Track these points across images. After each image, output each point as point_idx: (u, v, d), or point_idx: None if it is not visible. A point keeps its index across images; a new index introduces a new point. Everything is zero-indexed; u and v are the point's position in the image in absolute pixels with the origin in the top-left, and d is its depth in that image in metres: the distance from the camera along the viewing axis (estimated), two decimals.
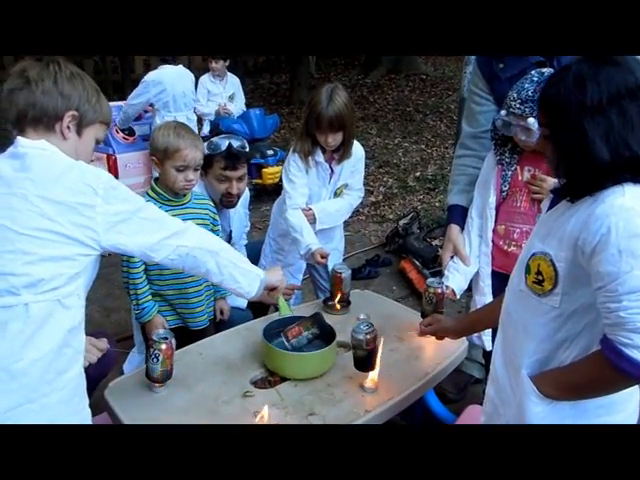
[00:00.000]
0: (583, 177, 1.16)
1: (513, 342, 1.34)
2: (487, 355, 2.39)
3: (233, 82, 5.19)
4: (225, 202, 2.37)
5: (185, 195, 2.15)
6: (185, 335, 2.15)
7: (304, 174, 2.39)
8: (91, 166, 1.29)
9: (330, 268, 2.54)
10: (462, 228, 2.22)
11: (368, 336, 1.72)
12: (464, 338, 2.10)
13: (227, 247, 1.61)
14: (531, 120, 1.84)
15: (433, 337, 2.04)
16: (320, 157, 2.39)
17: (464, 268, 2.16)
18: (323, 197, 2.48)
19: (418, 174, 6.06)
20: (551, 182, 1.95)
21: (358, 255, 4.22)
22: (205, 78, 5.10)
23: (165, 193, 2.10)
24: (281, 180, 4.96)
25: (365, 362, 1.74)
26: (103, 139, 1.46)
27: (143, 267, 2.09)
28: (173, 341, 1.66)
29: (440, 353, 1.99)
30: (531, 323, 1.27)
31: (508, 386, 1.35)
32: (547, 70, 1.88)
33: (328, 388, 1.76)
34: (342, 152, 2.39)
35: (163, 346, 1.63)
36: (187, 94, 4.36)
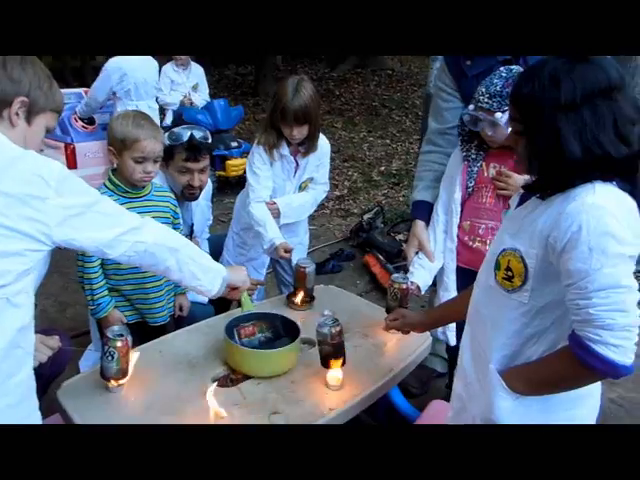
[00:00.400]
0: (555, 174, 1.16)
1: (482, 337, 1.34)
2: (450, 350, 2.41)
3: (197, 72, 5.09)
4: (187, 194, 2.30)
5: (144, 187, 2.07)
6: (144, 331, 2.09)
7: (268, 167, 2.35)
8: (43, 156, 1.22)
9: (294, 262, 2.51)
10: (427, 224, 2.21)
11: (333, 330, 1.70)
12: (428, 333, 2.10)
13: (187, 243, 1.56)
14: (499, 115, 1.85)
15: (398, 332, 2.03)
16: (285, 150, 2.35)
17: (429, 264, 2.15)
18: (288, 191, 2.44)
19: (383, 169, 6.07)
20: (517, 178, 1.96)
21: (322, 249, 4.20)
22: (168, 67, 4.98)
23: (123, 185, 2.02)
24: (245, 172, 4.97)
25: (331, 357, 1.71)
26: (54, 128, 1.38)
27: (99, 261, 2.02)
28: (129, 338, 1.59)
29: (404, 349, 1.98)
30: (500, 318, 1.27)
31: (476, 381, 1.35)
32: (515, 67, 1.88)
33: (292, 385, 1.73)
34: (308, 145, 2.35)
35: (118, 343, 1.56)
36: (149, 82, 4.24)
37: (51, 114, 1.30)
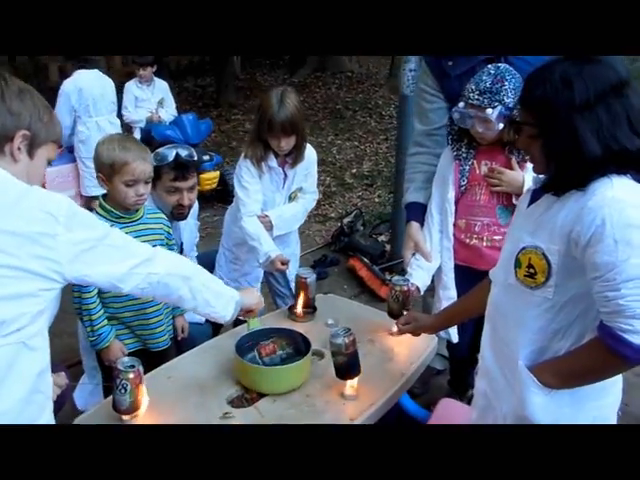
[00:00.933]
0: (575, 172, 1.18)
1: (505, 334, 1.35)
2: (451, 347, 2.43)
3: (161, 87, 5.01)
4: (176, 214, 2.26)
5: (137, 210, 2.03)
6: (145, 358, 2.04)
7: (257, 180, 2.33)
8: (48, 191, 1.17)
9: (289, 274, 2.49)
10: (421, 225, 2.22)
11: (347, 339, 1.69)
12: (433, 335, 2.11)
13: (199, 270, 1.52)
14: (489, 111, 1.87)
15: (403, 336, 2.04)
16: (273, 162, 2.33)
17: (426, 264, 2.17)
18: (277, 202, 2.42)
19: (354, 171, 6.09)
20: (509, 174, 1.99)
21: (305, 256, 4.17)
22: (132, 84, 4.89)
23: (116, 210, 1.97)
24: (219, 185, 4.93)
25: (347, 368, 1.70)
26: (53, 159, 1.33)
27: (96, 290, 1.96)
28: (141, 368, 1.55)
29: (412, 352, 1.98)
30: (524, 315, 1.29)
31: (501, 377, 1.37)
32: (502, 65, 1.91)
33: (308, 399, 1.72)
34: (295, 155, 2.34)
35: (130, 375, 1.52)
36: (106, 97, 4.18)
37: (52, 145, 1.26)
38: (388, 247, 3.96)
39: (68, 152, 4.30)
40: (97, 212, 1.98)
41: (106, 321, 1.99)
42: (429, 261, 2.17)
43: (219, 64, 8.88)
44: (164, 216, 2.15)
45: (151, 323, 2.05)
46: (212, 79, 9.67)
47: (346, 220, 4.26)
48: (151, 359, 1.99)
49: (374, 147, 6.89)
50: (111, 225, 1.91)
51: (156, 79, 5.01)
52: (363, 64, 10.75)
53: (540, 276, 1.24)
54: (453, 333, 2.26)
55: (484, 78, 1.89)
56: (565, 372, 1.24)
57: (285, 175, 2.39)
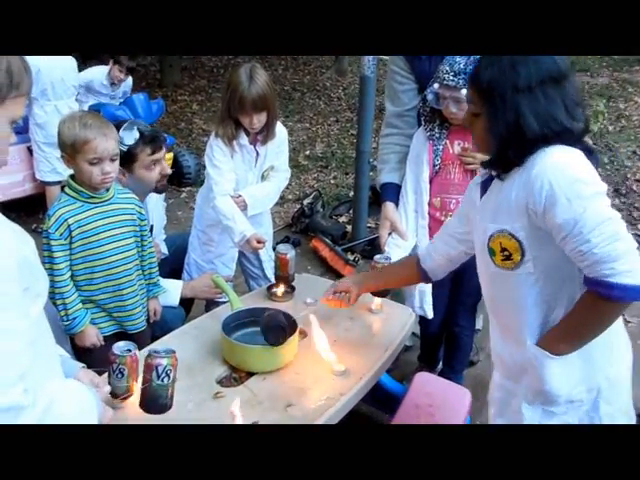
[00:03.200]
0: (514, 149, 1.28)
1: (507, 321, 1.41)
2: (423, 323, 2.50)
3: (127, 84, 4.82)
4: (160, 187, 2.22)
5: (108, 190, 1.97)
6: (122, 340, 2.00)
7: (229, 159, 2.30)
8: None
9: (261, 254, 2.49)
10: (396, 205, 2.27)
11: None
12: (411, 312, 2.17)
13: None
14: (464, 91, 1.92)
15: (381, 313, 2.09)
16: (244, 140, 2.31)
17: (403, 243, 2.22)
18: (250, 181, 2.40)
19: (308, 153, 6.09)
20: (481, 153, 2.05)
21: None
22: (98, 78, 4.60)
23: (85, 190, 1.91)
24: (174, 167, 4.82)
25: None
26: (19, 118, 1.05)
27: (69, 273, 1.90)
28: (137, 352, 1.52)
29: (393, 327, 2.03)
30: (516, 297, 1.35)
31: (514, 364, 1.42)
32: None
33: (297, 376, 1.73)
34: (267, 133, 2.33)
35: (127, 359, 1.48)
36: (67, 81, 3.97)
37: (19, 100, 1.02)
38: (349, 228, 4.01)
39: (16, 132, 4.08)
40: (66, 193, 1.91)
41: (81, 304, 1.93)
42: (405, 240, 2.22)
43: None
44: (135, 196, 2.09)
45: (128, 304, 2.01)
46: (154, 58, 9.38)
47: (306, 201, 4.27)
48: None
49: (325, 129, 6.91)
50: (81, 206, 1.88)
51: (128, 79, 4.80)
52: None
53: (516, 255, 1.31)
54: (428, 309, 2.33)
55: (458, 59, 1.94)
56: (571, 334, 1.30)
57: (257, 153, 2.37)
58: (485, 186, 1.44)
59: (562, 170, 1.21)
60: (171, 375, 1.46)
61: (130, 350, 1.50)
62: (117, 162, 1.94)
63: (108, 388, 1.46)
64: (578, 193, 1.18)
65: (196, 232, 2.51)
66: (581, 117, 1.29)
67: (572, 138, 1.26)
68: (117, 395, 1.50)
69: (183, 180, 4.91)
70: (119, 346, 1.51)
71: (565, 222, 1.19)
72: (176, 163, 4.85)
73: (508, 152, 1.29)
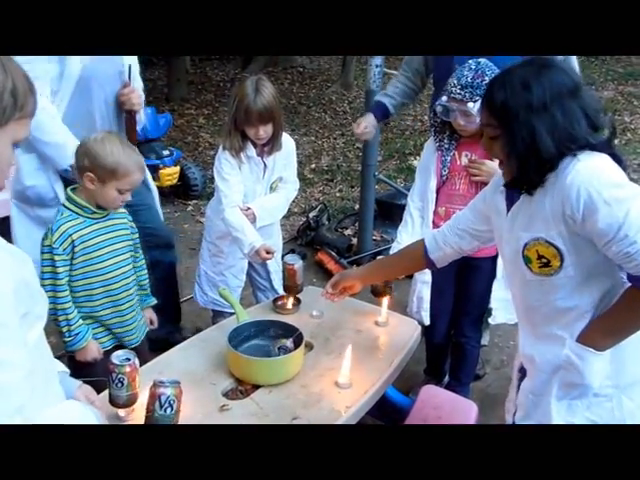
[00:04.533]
0: (534, 169, 1.28)
1: (547, 328, 1.41)
2: (428, 334, 2.49)
3: None
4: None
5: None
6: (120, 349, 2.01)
7: (238, 171, 2.31)
8: None
9: (269, 266, 2.50)
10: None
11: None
12: (417, 323, 2.17)
13: None
14: (470, 105, 1.94)
15: (388, 326, 2.09)
16: (252, 152, 2.32)
17: (406, 243, 2.22)
18: (259, 193, 2.41)
19: (313, 166, 6.11)
20: (489, 165, 2.07)
21: None
22: None
23: (90, 206, 1.88)
24: (179, 181, 4.85)
25: None
26: (23, 139, 1.01)
27: (69, 290, 1.88)
28: (136, 361, 1.52)
29: (399, 339, 2.03)
30: (556, 300, 1.35)
31: (552, 370, 1.40)
32: (483, 60, 1.98)
33: (303, 389, 1.73)
34: (272, 144, 2.34)
35: (127, 369, 1.49)
36: None
37: (23, 122, 0.99)
38: (354, 241, 4.01)
39: None
40: (67, 207, 1.87)
41: (82, 320, 1.92)
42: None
43: (169, 58, 8.69)
44: (124, 210, 2.05)
45: (127, 319, 2.01)
46: (161, 72, 9.47)
47: (311, 214, 4.28)
48: None
49: (331, 142, 6.94)
50: (82, 222, 1.85)
51: None
52: (314, 59, 10.79)
53: (555, 261, 1.31)
54: (425, 316, 2.34)
55: (465, 73, 1.96)
56: (615, 329, 1.30)
57: (265, 165, 2.38)
58: (511, 196, 1.43)
59: (598, 176, 1.21)
60: (174, 406, 1.44)
61: (129, 359, 1.51)
62: None
63: (100, 403, 1.41)
64: (616, 197, 1.19)
65: (206, 244, 2.52)
66: (605, 123, 1.29)
67: (596, 149, 1.27)
68: (118, 404, 1.51)
69: (190, 193, 4.93)
70: (118, 355, 1.52)
71: (608, 226, 1.19)
72: (183, 176, 4.87)
73: (529, 172, 1.29)
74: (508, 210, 1.44)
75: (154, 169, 4.70)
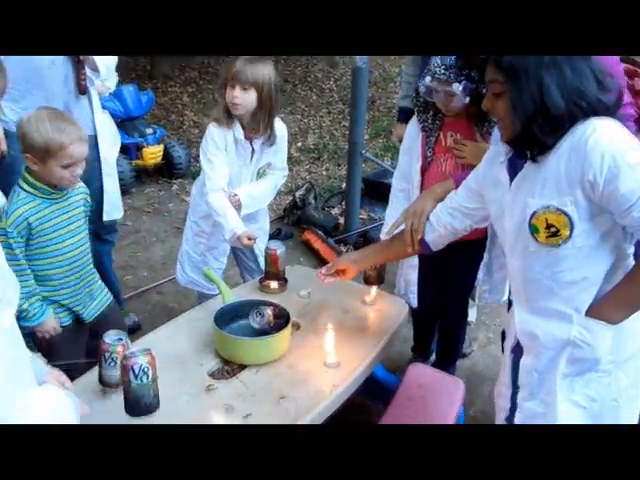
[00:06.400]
0: (540, 128, 1.25)
1: (549, 298, 1.37)
2: (414, 312, 2.50)
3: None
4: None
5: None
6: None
7: (223, 153, 2.26)
8: None
9: (256, 248, 2.47)
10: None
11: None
12: (404, 303, 2.17)
13: None
14: (456, 85, 1.90)
15: (375, 305, 2.08)
16: (239, 133, 2.27)
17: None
18: (245, 178, 2.36)
19: (300, 144, 6.06)
20: (471, 146, 2.04)
21: None
22: None
23: (46, 187, 1.82)
24: (163, 159, 4.78)
25: None
26: None
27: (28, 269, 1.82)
28: (128, 341, 1.52)
29: (386, 319, 2.03)
30: (562, 272, 1.33)
31: (555, 343, 1.38)
32: None
33: (290, 369, 1.73)
34: (259, 128, 2.27)
35: (119, 348, 1.48)
36: None
37: None
38: (341, 220, 3.99)
39: None
40: (23, 189, 1.81)
41: (40, 296, 1.86)
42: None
43: None
44: (83, 184, 1.99)
45: (85, 295, 1.99)
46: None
47: (298, 193, 4.24)
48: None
49: (317, 120, 6.87)
50: (40, 203, 1.79)
51: None
52: None
53: (564, 231, 1.28)
54: (413, 298, 2.34)
55: None
56: (629, 300, 1.29)
57: (253, 149, 2.33)
58: (514, 165, 1.39)
59: (620, 140, 1.20)
60: (149, 374, 1.44)
61: (121, 339, 1.50)
62: (84, 162, 1.85)
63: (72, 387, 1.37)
64: (637, 161, 1.18)
65: (190, 223, 2.48)
66: (614, 86, 1.27)
67: (606, 110, 1.24)
68: (110, 384, 1.50)
69: (174, 171, 4.86)
70: (110, 335, 1.50)
71: (630, 191, 1.18)
72: (166, 155, 4.80)
73: (534, 131, 1.26)
74: (511, 181, 1.40)
75: (137, 147, 4.64)
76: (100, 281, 2.09)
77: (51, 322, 1.89)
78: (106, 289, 2.11)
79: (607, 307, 1.31)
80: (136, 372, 1.42)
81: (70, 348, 1.93)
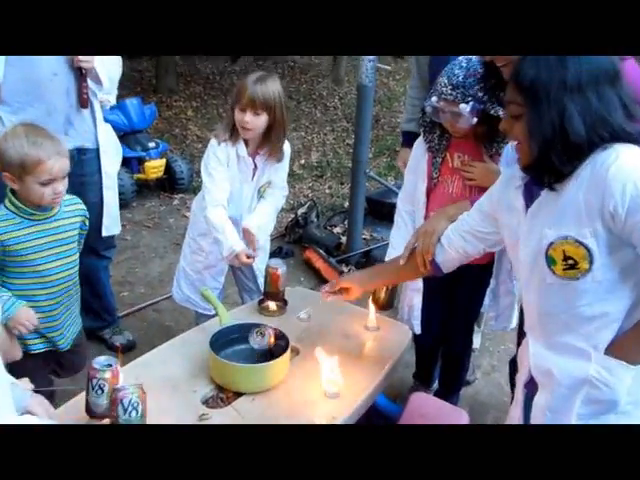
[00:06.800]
0: (557, 155, 1.18)
1: (565, 334, 1.29)
2: (417, 339, 2.42)
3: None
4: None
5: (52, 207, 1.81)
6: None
7: (225, 168, 2.21)
8: None
9: (256, 268, 2.40)
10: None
11: None
12: (408, 330, 2.09)
13: None
14: (463, 106, 1.84)
15: (378, 331, 2.01)
16: (243, 150, 2.22)
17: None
18: (245, 194, 2.30)
19: (303, 161, 6.02)
20: (480, 167, 1.98)
21: None
22: None
23: (27, 207, 1.75)
24: (165, 173, 4.73)
25: None
26: None
27: None
28: (118, 367, 1.43)
29: (389, 346, 1.95)
30: (582, 307, 1.25)
31: (568, 377, 1.30)
32: (474, 57, 1.89)
33: (288, 397, 1.65)
34: (268, 149, 2.24)
35: (107, 374, 1.40)
36: None
37: None
38: (344, 239, 3.93)
39: None
40: (7, 208, 1.75)
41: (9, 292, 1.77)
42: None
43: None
44: (83, 206, 1.95)
45: (59, 323, 1.91)
46: (149, 64, 9.31)
47: (300, 211, 4.19)
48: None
49: (321, 138, 6.85)
50: (20, 222, 1.73)
51: None
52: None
53: (583, 263, 1.20)
54: (416, 324, 2.26)
55: (456, 72, 1.86)
56: None
57: (255, 166, 2.28)
58: (530, 191, 1.32)
59: None
60: (139, 409, 1.35)
61: (111, 365, 1.42)
62: (66, 180, 1.78)
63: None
64: None
65: (188, 240, 2.42)
66: (639, 114, 1.20)
67: (629, 139, 1.17)
68: (95, 414, 1.41)
69: (176, 186, 4.82)
70: (99, 361, 1.43)
71: None
72: (169, 169, 4.76)
73: (551, 158, 1.19)
74: (527, 208, 1.33)
75: (139, 161, 4.60)
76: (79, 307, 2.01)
77: (23, 312, 1.74)
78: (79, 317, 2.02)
79: (628, 346, 1.23)
80: (125, 406, 1.33)
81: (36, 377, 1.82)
